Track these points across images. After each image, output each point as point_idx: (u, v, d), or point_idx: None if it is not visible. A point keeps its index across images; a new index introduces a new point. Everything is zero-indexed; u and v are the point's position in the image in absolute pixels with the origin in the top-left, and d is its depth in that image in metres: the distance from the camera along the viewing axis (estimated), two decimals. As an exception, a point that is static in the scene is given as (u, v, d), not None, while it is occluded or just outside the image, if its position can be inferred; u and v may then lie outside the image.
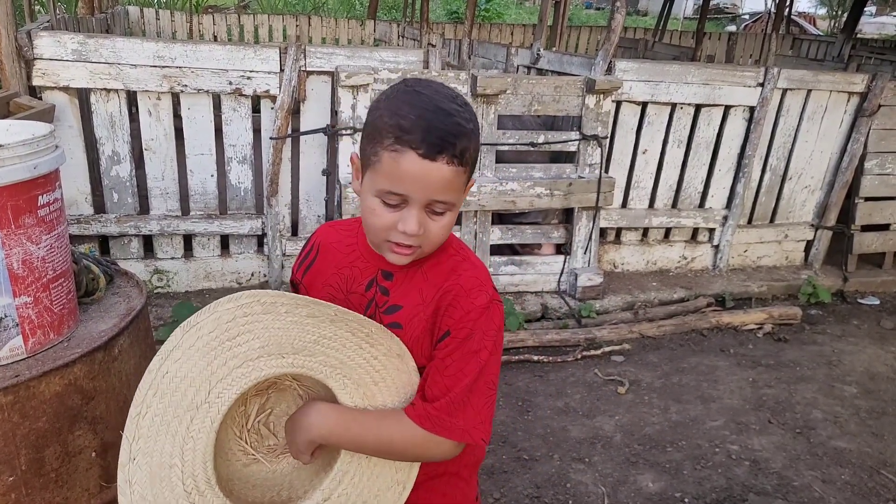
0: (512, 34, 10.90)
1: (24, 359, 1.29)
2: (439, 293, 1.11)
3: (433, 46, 7.16)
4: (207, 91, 3.37)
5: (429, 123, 0.99)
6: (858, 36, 11.44)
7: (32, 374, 1.24)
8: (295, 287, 1.30)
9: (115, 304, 1.53)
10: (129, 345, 1.44)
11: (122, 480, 0.99)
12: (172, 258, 3.61)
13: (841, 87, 4.33)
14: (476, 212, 3.72)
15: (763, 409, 3.18)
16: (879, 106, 4.35)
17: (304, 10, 14.04)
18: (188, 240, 3.63)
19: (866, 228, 4.67)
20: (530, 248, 4.06)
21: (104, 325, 1.43)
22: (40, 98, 3.17)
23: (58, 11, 5.18)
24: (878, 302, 4.55)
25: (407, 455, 1.13)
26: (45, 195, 1.27)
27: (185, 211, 3.58)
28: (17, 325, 1.27)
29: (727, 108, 4.18)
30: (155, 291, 3.57)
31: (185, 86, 3.32)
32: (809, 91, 4.30)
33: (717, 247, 4.52)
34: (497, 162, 3.76)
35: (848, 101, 4.39)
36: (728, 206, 4.42)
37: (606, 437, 2.88)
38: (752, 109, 4.21)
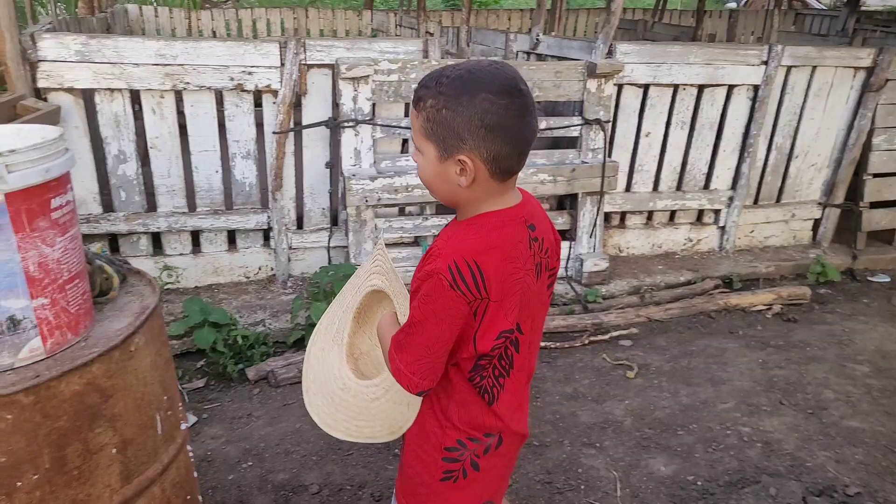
0: (510, 19, 10.80)
1: (43, 359, 1.31)
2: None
3: (431, 35, 7.11)
4: (210, 88, 3.38)
5: None
6: (863, 8, 11.28)
7: (52, 374, 1.26)
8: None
9: (128, 303, 1.55)
10: (145, 343, 1.45)
11: (307, 358, 1.62)
12: (181, 254, 3.63)
13: (847, 63, 4.30)
14: (481, 200, 3.72)
15: (774, 390, 3.18)
16: (887, 80, 4.31)
17: (301, 2, 13.98)
18: (196, 236, 3.65)
19: (875, 205, 4.64)
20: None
21: (119, 323, 1.45)
22: (45, 100, 3.18)
23: (58, 12, 5.18)
24: (888, 279, 4.53)
25: None
26: (57, 198, 1.29)
27: (191, 207, 3.59)
28: (36, 326, 1.29)
29: (731, 87, 4.15)
30: (165, 287, 3.59)
31: (188, 83, 3.32)
32: (814, 67, 4.27)
33: (723, 228, 4.51)
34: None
35: (854, 76, 4.36)
36: (733, 186, 4.41)
37: (616, 421, 2.89)
38: (756, 88, 4.18)
